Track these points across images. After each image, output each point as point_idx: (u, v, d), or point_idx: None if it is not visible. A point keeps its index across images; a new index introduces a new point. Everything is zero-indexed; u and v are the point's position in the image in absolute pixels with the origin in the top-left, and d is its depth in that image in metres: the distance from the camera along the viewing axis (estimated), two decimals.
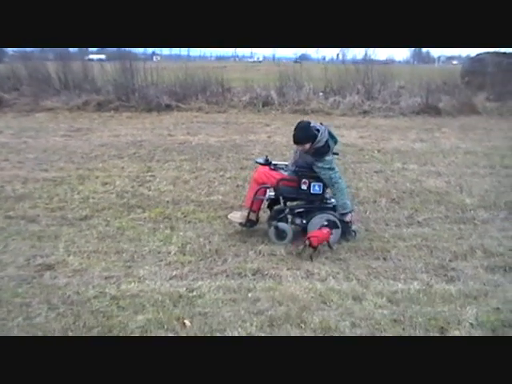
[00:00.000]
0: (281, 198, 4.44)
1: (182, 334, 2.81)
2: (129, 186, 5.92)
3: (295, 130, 4.31)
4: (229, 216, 4.57)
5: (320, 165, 4.20)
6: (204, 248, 4.15)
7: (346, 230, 4.37)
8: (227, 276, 3.63)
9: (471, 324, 2.95)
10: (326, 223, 4.18)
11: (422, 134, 10.38)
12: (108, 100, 12.18)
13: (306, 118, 11.81)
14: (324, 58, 68.92)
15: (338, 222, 4.26)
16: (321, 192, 4.35)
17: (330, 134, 4.30)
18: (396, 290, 3.44)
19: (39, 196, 5.50)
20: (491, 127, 11.45)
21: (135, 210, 5.09)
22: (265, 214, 4.71)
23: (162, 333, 2.81)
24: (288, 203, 4.47)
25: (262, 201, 4.46)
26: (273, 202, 4.59)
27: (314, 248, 3.96)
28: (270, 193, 4.41)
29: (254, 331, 2.84)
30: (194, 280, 3.55)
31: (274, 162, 4.62)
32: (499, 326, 2.94)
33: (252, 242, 4.30)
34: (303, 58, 75.71)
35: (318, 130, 4.22)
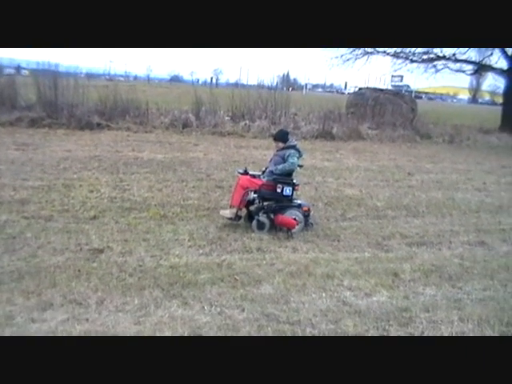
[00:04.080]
0: (258, 198, 5.82)
1: (237, 284, 4.07)
2: (113, 192, 6.85)
3: (278, 131, 6.28)
4: (220, 212, 5.86)
5: (286, 153, 5.77)
6: (208, 236, 5.36)
7: (306, 223, 5.89)
8: (239, 252, 4.93)
9: (410, 271, 4.65)
10: (294, 217, 5.70)
11: (326, 155, 12.42)
12: (41, 117, 12.50)
13: (223, 140, 13.28)
14: (198, 81, 70.45)
15: (302, 216, 5.77)
16: (290, 194, 5.82)
17: (298, 146, 5.97)
18: (356, 257, 5.03)
19: (39, 201, 6.21)
20: (376, 151, 13.96)
21: (133, 211, 6.09)
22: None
23: (223, 285, 4.05)
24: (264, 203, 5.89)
25: (245, 201, 5.81)
26: (248, 203, 5.95)
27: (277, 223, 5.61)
28: (254, 194, 5.77)
29: (284, 279, 4.22)
30: (218, 255, 4.79)
31: (250, 172, 6.02)
32: (427, 271, 4.71)
33: (240, 232, 5.61)
34: (175, 79, 76.18)
35: (290, 139, 5.95)
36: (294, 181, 5.88)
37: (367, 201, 7.62)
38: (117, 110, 14.40)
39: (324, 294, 4.00)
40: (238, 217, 5.75)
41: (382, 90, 18.98)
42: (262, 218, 5.69)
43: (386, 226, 6.34)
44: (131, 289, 3.86)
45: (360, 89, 20.39)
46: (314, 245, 5.36)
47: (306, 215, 5.88)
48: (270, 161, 6.01)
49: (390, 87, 35.75)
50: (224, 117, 16.28)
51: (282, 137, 5.96)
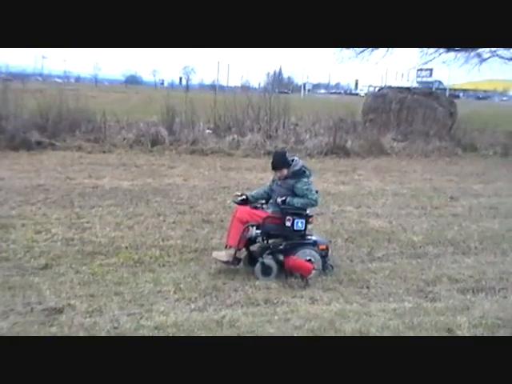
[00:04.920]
0: (262, 235, 5.93)
1: None
2: (69, 233, 6.93)
3: (273, 157, 6.23)
4: (213, 254, 5.96)
5: (299, 186, 5.88)
6: (199, 286, 5.45)
7: (324, 265, 5.99)
8: (242, 306, 5.01)
9: (469, 326, 4.74)
10: (309, 258, 5.80)
11: (340, 176, 12.69)
12: None
13: (206, 160, 13.55)
14: (162, 82, 70.37)
15: (318, 257, 5.88)
16: (303, 228, 5.94)
17: (305, 166, 6.08)
18: (394, 308, 5.13)
19: None
20: (405, 169, 14.27)
21: (97, 257, 6.17)
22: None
23: None
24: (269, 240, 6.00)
25: (246, 239, 5.92)
26: (249, 242, 6.05)
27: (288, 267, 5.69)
28: (257, 230, 5.88)
29: None
30: (216, 311, 4.86)
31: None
32: (491, 326, 4.77)
33: (240, 279, 5.71)
34: (132, 80, 76.37)
35: (292, 160, 6.03)
36: (308, 211, 6.01)
37: (400, 235, 7.78)
38: (62, 123, 14.63)
39: None
40: (236, 260, 5.85)
41: (409, 89, 19.36)
42: (268, 260, 5.80)
43: (428, 266, 6.48)
44: None
45: (380, 89, 20.84)
46: (338, 293, 5.46)
47: (324, 255, 6.00)
48: (273, 191, 6.14)
49: (415, 85, 36.37)
50: (204, 130, 16.54)
51: (282, 162, 6.05)
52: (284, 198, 5.85)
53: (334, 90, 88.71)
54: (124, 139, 14.83)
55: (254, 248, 6.09)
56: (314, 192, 5.95)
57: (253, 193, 6.31)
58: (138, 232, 7.18)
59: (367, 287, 5.71)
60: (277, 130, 17.35)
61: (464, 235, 7.87)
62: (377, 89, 23.01)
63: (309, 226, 6.12)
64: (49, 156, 12.91)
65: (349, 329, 4.55)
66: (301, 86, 71.25)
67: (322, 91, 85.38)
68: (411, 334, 4.53)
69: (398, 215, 8.97)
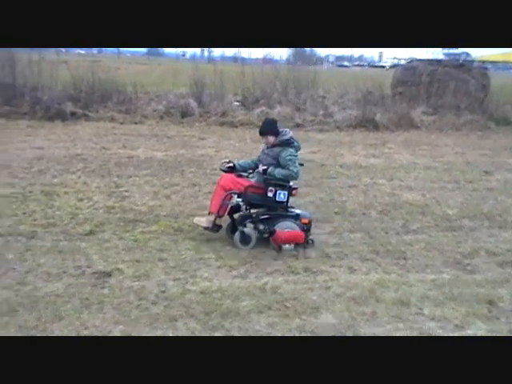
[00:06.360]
0: (244, 204, 5.98)
1: (289, 312, 4.30)
2: (110, 201, 7.12)
3: (263, 123, 6.28)
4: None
5: (283, 154, 5.87)
6: (239, 254, 5.59)
7: (305, 239, 5.89)
8: (283, 274, 5.15)
9: (511, 298, 4.84)
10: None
11: (370, 149, 12.67)
12: None
13: (236, 132, 13.62)
14: (184, 54, 69.40)
15: (297, 229, 5.86)
16: (285, 200, 5.94)
17: (294, 138, 6.09)
18: (433, 279, 5.23)
19: (14, 213, 6.46)
20: (436, 143, 14.19)
21: (139, 225, 6.34)
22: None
23: (273, 314, 4.29)
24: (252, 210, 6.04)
25: (227, 206, 5.94)
26: (232, 210, 6.09)
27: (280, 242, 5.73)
28: (238, 199, 5.93)
29: (346, 306, 4.44)
30: (257, 278, 5.01)
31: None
32: None
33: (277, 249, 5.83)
34: (154, 52, 75.33)
35: (282, 130, 6.06)
36: (291, 183, 6.00)
37: (434, 208, 7.83)
38: (94, 94, 14.83)
39: (401, 325, 4.21)
40: (215, 226, 5.92)
41: (439, 61, 19.12)
42: (247, 229, 5.84)
43: (465, 239, 6.55)
44: (159, 320, 4.10)
45: (410, 61, 20.63)
46: (375, 264, 5.58)
47: (306, 229, 5.95)
48: (259, 160, 6.18)
49: (441, 56, 35.71)
50: (232, 102, 16.61)
51: (270, 129, 6.05)
52: (266, 168, 5.90)
53: (357, 63, 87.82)
54: (154, 111, 15.00)
55: (236, 216, 6.12)
56: (296, 164, 5.90)
57: (240, 162, 6.34)
58: (175, 201, 7.34)
59: (404, 258, 5.81)
60: (305, 103, 17.30)
61: (500, 209, 7.89)
62: (402, 61, 22.62)
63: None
64: (83, 126, 13.18)
65: (389, 298, 4.69)
66: (323, 59, 70.42)
67: (346, 63, 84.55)
68: (452, 304, 4.64)
69: (431, 188, 9.00)
